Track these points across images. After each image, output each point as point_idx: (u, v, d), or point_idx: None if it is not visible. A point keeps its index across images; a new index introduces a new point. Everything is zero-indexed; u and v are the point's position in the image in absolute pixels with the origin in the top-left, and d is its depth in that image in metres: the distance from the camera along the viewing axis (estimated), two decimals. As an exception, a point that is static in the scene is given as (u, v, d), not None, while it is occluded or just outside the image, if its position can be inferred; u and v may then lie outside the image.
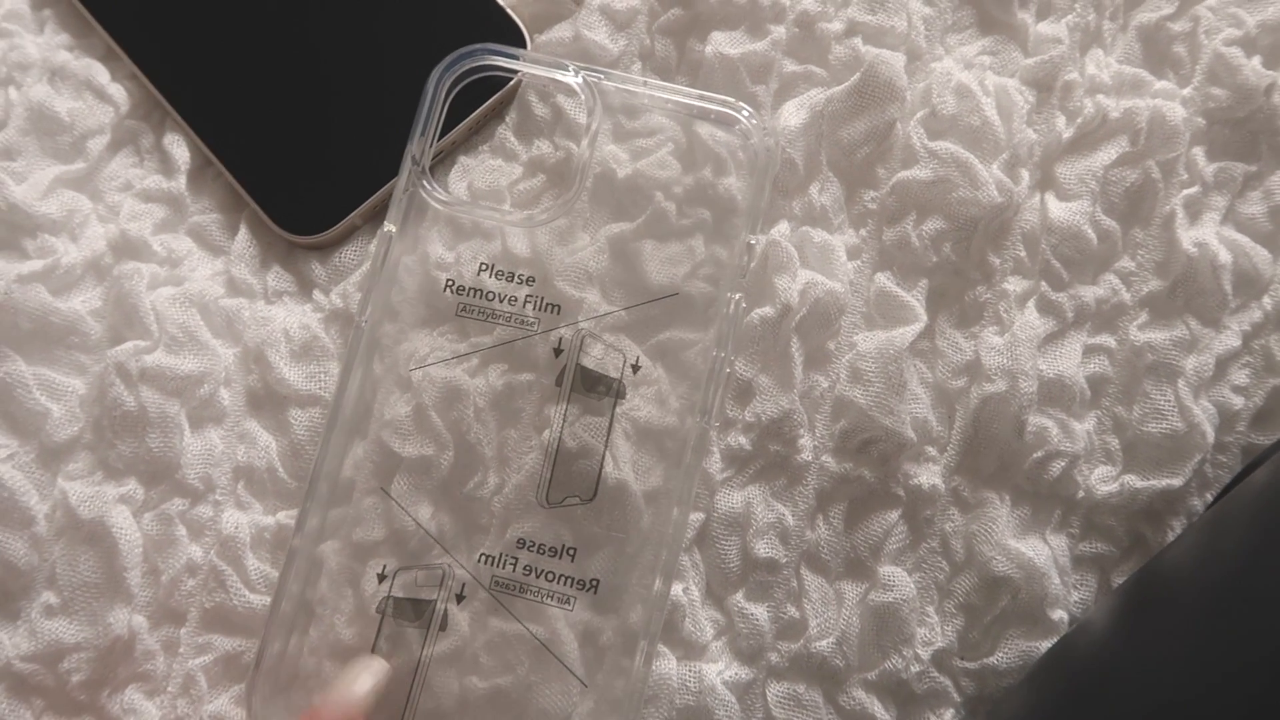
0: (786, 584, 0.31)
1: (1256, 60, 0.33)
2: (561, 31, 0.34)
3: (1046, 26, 0.34)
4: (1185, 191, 0.33)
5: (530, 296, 0.31)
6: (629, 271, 0.32)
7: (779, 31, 0.33)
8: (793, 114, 0.33)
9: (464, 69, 0.32)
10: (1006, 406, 0.31)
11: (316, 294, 0.33)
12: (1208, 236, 0.32)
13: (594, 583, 0.30)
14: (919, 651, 0.31)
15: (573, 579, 0.30)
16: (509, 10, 0.34)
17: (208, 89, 0.34)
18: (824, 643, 0.31)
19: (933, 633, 0.31)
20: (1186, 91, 0.34)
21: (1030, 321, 0.32)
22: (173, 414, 0.31)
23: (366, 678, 0.29)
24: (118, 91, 0.34)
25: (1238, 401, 0.32)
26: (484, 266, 0.32)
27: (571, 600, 0.30)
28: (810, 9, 0.33)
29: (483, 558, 0.30)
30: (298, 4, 0.34)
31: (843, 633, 0.31)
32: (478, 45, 0.32)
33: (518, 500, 0.30)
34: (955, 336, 0.32)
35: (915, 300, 0.32)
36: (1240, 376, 0.33)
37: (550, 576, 0.30)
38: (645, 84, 0.32)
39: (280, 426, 0.32)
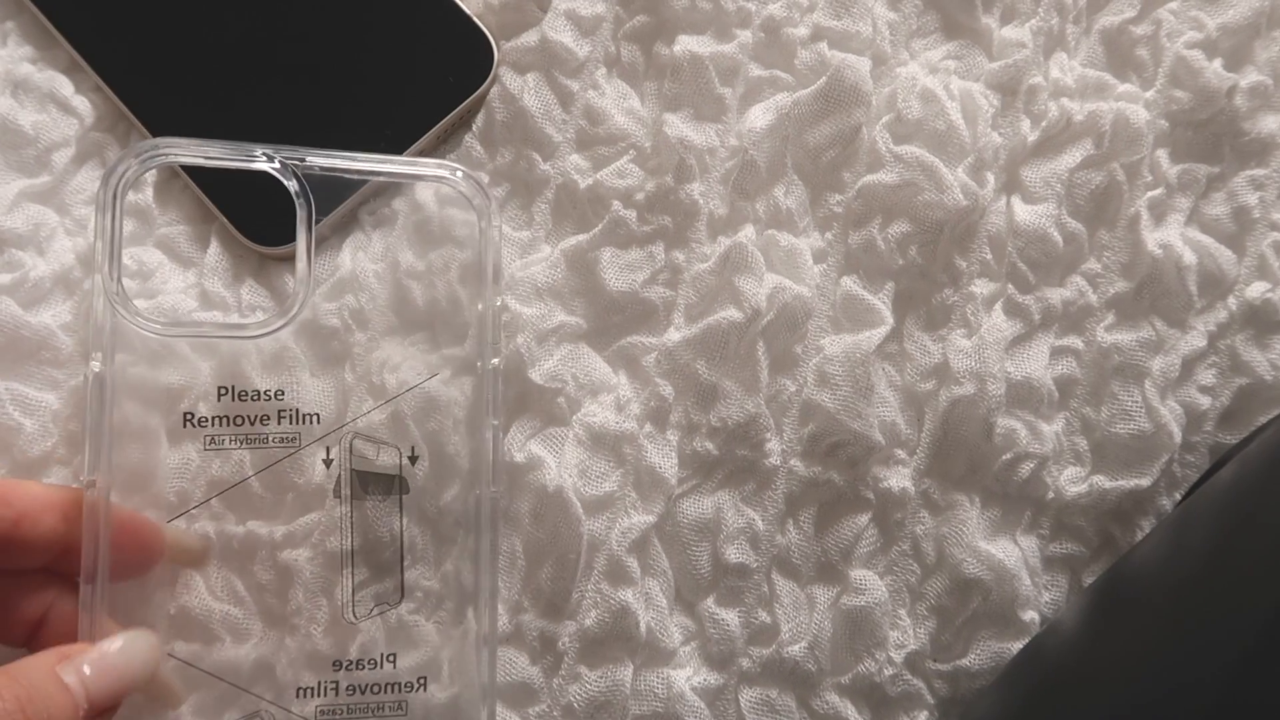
0: (758, 589, 0.31)
1: (1218, 63, 0.34)
2: (528, 38, 0.34)
3: (1010, 31, 0.34)
4: (1149, 193, 0.33)
5: (284, 411, 0.29)
6: (383, 363, 0.30)
7: (745, 36, 0.34)
8: (759, 117, 0.33)
9: (129, 174, 0.28)
10: (975, 409, 0.32)
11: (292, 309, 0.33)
12: (1172, 238, 0.33)
13: (421, 681, 0.29)
14: (892, 654, 0.31)
15: (399, 684, 0.29)
16: (476, 19, 0.34)
17: (172, 101, 0.34)
18: (796, 647, 0.31)
19: (905, 635, 0.31)
20: (1149, 94, 0.34)
21: (997, 324, 0.32)
22: (153, 427, 0.31)
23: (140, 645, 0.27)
24: (82, 104, 0.34)
25: (1204, 401, 0.33)
26: (223, 390, 0.29)
27: (404, 705, 0.29)
28: (776, 14, 0.34)
29: (300, 691, 0.29)
30: (266, 17, 0.34)
31: (815, 637, 0.31)
32: (148, 145, 0.28)
33: (327, 624, 0.29)
34: (923, 339, 0.33)
35: (882, 303, 0.32)
36: (1207, 377, 0.33)
37: (375, 689, 0.29)
38: (351, 158, 0.30)
39: (252, 440, 0.32)
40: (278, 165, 0.29)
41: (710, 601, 0.31)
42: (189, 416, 0.29)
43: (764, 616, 0.31)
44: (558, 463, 0.31)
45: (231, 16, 0.34)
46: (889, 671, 0.31)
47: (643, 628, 0.30)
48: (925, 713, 0.32)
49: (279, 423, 0.29)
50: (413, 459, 0.30)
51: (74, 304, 0.32)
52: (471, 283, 0.31)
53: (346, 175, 0.30)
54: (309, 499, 0.30)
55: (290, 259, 0.33)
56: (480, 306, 0.30)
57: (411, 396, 0.30)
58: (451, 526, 0.30)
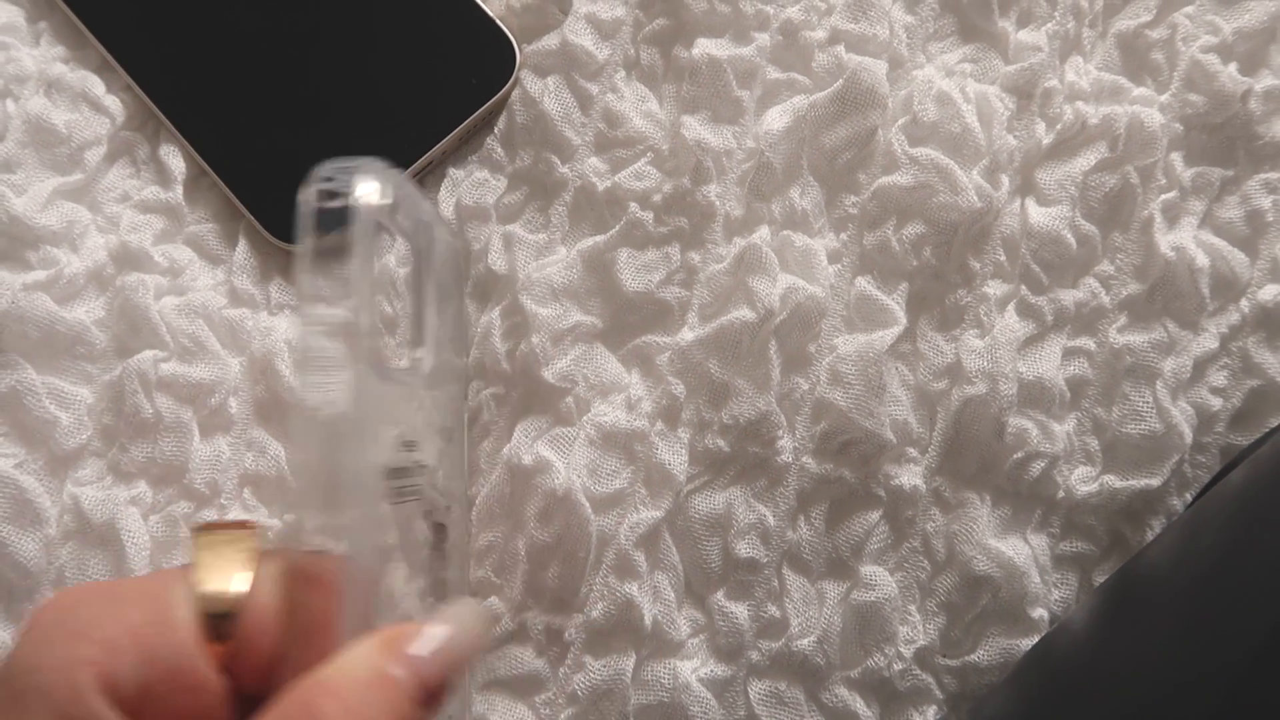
0: (768, 583, 0.32)
1: (1233, 67, 0.34)
2: (549, 41, 0.35)
3: (1027, 34, 0.34)
4: (1163, 196, 0.33)
5: (413, 463, 0.27)
6: (445, 418, 0.30)
7: (763, 39, 0.34)
8: (775, 119, 0.33)
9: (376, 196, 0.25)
10: (987, 408, 0.32)
11: (321, 307, 0.33)
12: (1185, 240, 0.33)
13: None
14: (901, 649, 0.32)
15: None
16: (499, 22, 0.35)
17: (201, 100, 0.35)
18: (805, 641, 0.31)
19: (915, 631, 0.32)
20: (1164, 98, 0.34)
21: (1010, 325, 0.32)
22: (185, 420, 0.32)
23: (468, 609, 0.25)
24: (113, 103, 0.34)
25: (1216, 403, 0.33)
26: (404, 443, 0.26)
27: None
28: (794, 17, 0.34)
29: None
30: (292, 16, 0.35)
31: (824, 631, 0.32)
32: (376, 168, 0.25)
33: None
34: (936, 339, 0.33)
35: (895, 303, 0.33)
36: (1218, 378, 0.33)
37: None
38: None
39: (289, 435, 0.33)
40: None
41: (720, 595, 0.32)
42: (390, 470, 0.25)
43: (773, 610, 0.32)
44: (566, 464, 0.31)
45: (258, 18, 0.35)
46: (898, 666, 0.32)
47: (648, 620, 0.31)
48: (934, 708, 0.32)
49: (411, 475, 0.27)
50: (448, 508, 0.29)
51: (107, 299, 0.33)
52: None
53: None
54: (420, 548, 0.28)
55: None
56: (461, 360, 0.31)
57: (452, 451, 0.30)
58: (459, 570, 0.31)
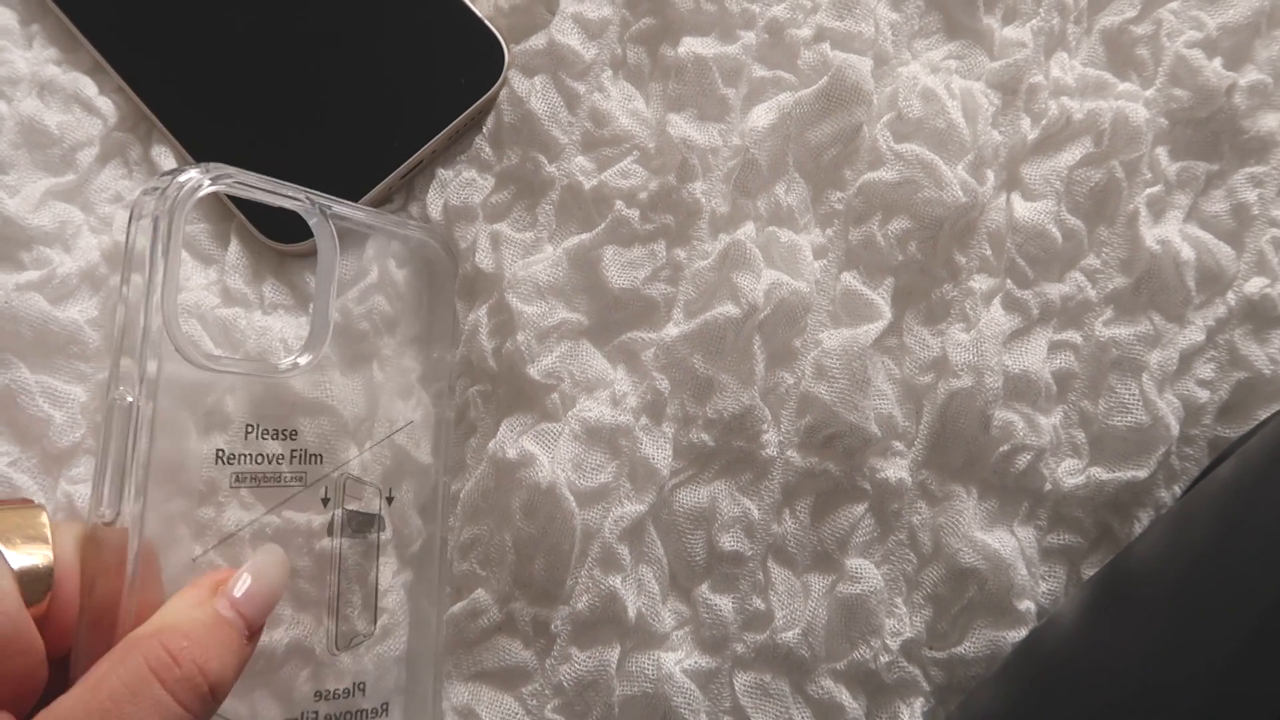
0: (752, 576, 0.32)
1: (1218, 62, 0.34)
2: (537, 40, 0.35)
3: (1011, 31, 0.34)
4: (1149, 190, 0.33)
5: (295, 451, 0.30)
6: (373, 405, 0.32)
7: (749, 37, 0.34)
8: (761, 116, 0.33)
9: (175, 203, 0.26)
10: (972, 401, 0.32)
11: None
12: (1170, 234, 0.33)
13: (384, 707, 0.32)
14: (887, 642, 0.32)
15: (366, 711, 0.31)
16: (488, 22, 0.35)
17: (193, 101, 0.35)
18: (790, 633, 0.32)
19: (901, 623, 0.32)
20: (1149, 93, 0.34)
21: (995, 318, 0.33)
22: (180, 420, 0.32)
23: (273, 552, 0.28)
24: (105, 105, 0.35)
25: (1203, 395, 0.33)
26: (249, 428, 0.30)
27: None
28: (780, 15, 0.34)
29: None
30: (283, 17, 0.35)
31: (809, 624, 0.32)
32: (191, 178, 0.27)
33: (314, 654, 0.31)
34: (922, 333, 0.33)
35: (880, 298, 0.33)
36: (1205, 370, 0.33)
37: (349, 717, 0.31)
38: (368, 213, 0.32)
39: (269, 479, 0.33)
40: (308, 206, 0.30)
41: (705, 588, 0.32)
42: (220, 454, 0.29)
43: (758, 603, 0.32)
44: (550, 459, 0.32)
45: (249, 19, 0.35)
46: (885, 658, 0.32)
47: (631, 613, 0.31)
48: (921, 699, 0.32)
49: (290, 462, 0.30)
50: (389, 499, 0.32)
51: (100, 299, 0.33)
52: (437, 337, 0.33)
53: (360, 228, 0.32)
54: (310, 536, 0.31)
55: (306, 255, 0.34)
56: (448, 356, 0.32)
57: (393, 440, 0.32)
58: (414, 564, 0.32)
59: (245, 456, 0.29)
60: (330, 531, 0.31)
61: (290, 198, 0.29)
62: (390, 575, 0.32)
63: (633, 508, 0.31)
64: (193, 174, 0.27)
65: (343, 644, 0.31)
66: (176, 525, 0.28)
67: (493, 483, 0.32)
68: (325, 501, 0.31)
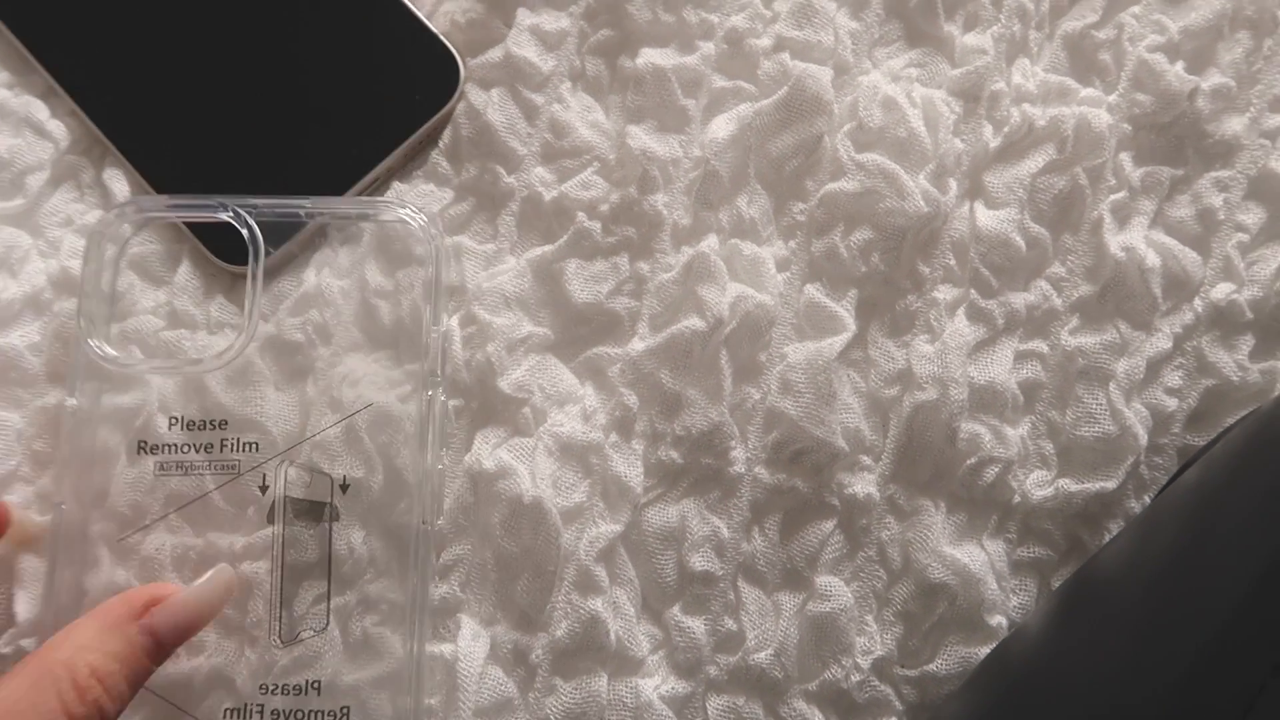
0: (724, 596, 0.31)
1: (1180, 66, 0.34)
2: (493, 54, 0.34)
3: (972, 38, 0.34)
4: (1113, 197, 0.33)
5: (226, 440, 0.31)
6: (319, 393, 0.32)
7: (708, 47, 0.34)
8: (721, 128, 0.33)
9: (124, 232, 0.32)
10: (938, 414, 0.32)
11: (261, 325, 0.33)
12: (1135, 241, 0.33)
13: (345, 710, 0.30)
14: (859, 660, 0.31)
15: (323, 713, 0.30)
16: (442, 38, 0.35)
17: (146, 124, 0.34)
18: (762, 654, 0.31)
19: (872, 641, 0.31)
20: (1112, 98, 0.34)
21: (960, 329, 0.32)
22: (114, 445, 0.31)
23: (216, 579, 0.30)
24: (57, 128, 0.34)
25: (1171, 403, 0.33)
26: (174, 420, 0.31)
27: None
28: (739, 25, 0.34)
29: (229, 713, 0.30)
30: (235, 39, 0.35)
31: (781, 644, 0.31)
32: (126, 204, 0.32)
33: (255, 644, 0.31)
34: (887, 345, 0.33)
35: (845, 310, 0.32)
36: (1173, 378, 0.33)
37: (300, 716, 0.30)
38: (303, 203, 0.32)
39: (197, 467, 0.32)
40: (231, 215, 0.31)
41: (676, 610, 0.31)
42: (142, 445, 0.31)
43: (730, 624, 0.31)
44: (531, 472, 0.31)
45: (203, 41, 0.35)
46: (856, 678, 0.31)
47: (613, 637, 0.31)
48: (893, 719, 0.32)
49: (221, 450, 0.31)
50: (344, 487, 0.31)
51: (43, 324, 0.33)
52: (413, 323, 0.32)
53: (299, 219, 0.32)
54: (248, 525, 0.31)
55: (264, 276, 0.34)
56: (432, 333, 0.31)
57: (347, 426, 0.31)
58: (379, 561, 0.31)
59: (169, 447, 0.31)
60: (270, 519, 0.31)
61: (211, 205, 0.31)
62: (352, 570, 0.31)
63: (608, 527, 0.31)
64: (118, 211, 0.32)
65: (287, 635, 0.31)
66: (98, 514, 0.31)
67: (471, 498, 0.32)
68: (264, 490, 0.31)
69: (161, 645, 0.28)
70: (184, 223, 0.34)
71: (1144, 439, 0.32)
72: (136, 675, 0.27)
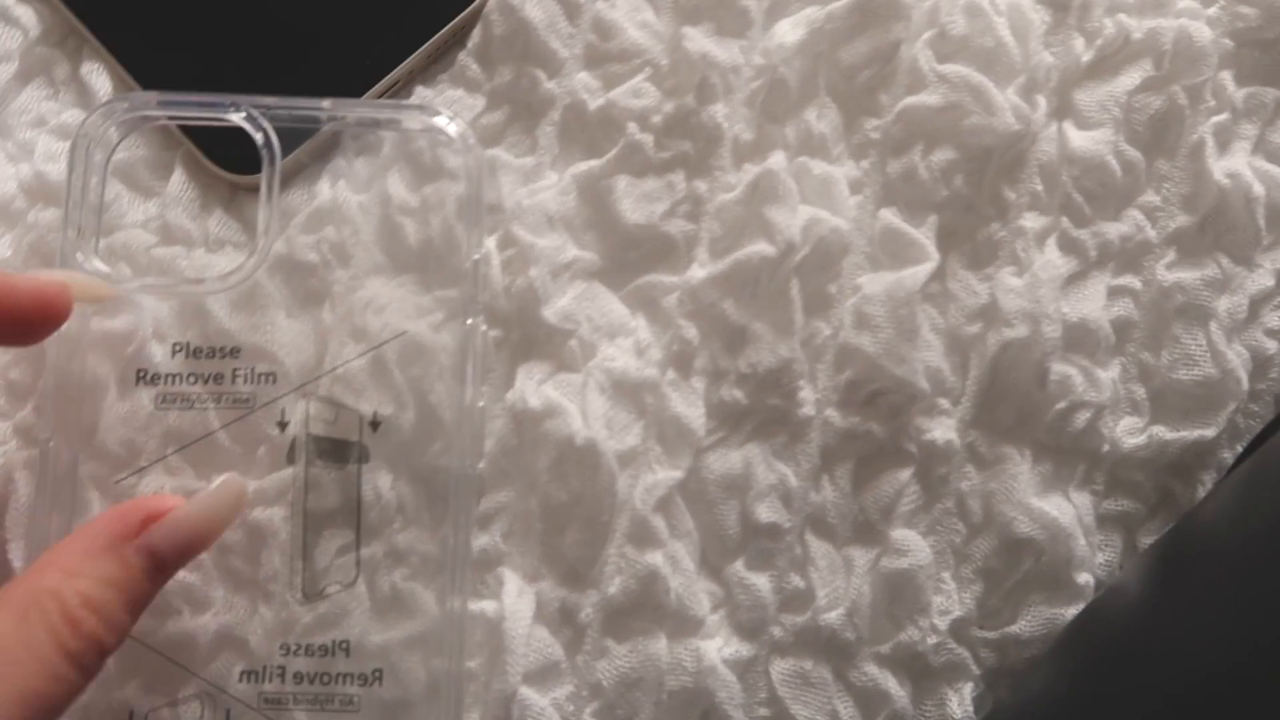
0: (790, 551, 0.29)
1: (1289, -25, 0.31)
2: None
3: (1061, -63, 0.31)
4: (1214, 119, 0.31)
5: (238, 370, 0.28)
6: (338, 321, 0.28)
7: (772, -59, 0.30)
8: (787, 32, 0.30)
9: (112, 135, 0.28)
10: (1028, 354, 0.29)
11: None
12: (1240, 167, 0.30)
13: (377, 674, 0.27)
14: (935, 621, 0.29)
15: (352, 676, 0.27)
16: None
17: (131, 11, 0.31)
18: (833, 614, 0.28)
19: (950, 600, 0.29)
20: (1213, 11, 0.31)
21: (1052, 260, 0.30)
22: (104, 375, 0.28)
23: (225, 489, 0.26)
24: (25, 14, 0.31)
25: (1272, 346, 0.31)
26: (178, 347, 0.28)
27: (356, 700, 0.27)
28: (807, -82, 0.30)
29: (244, 675, 0.27)
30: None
31: (853, 603, 0.29)
32: (117, 100, 0.28)
33: (270, 600, 0.27)
34: (968, 278, 0.30)
35: (925, 238, 0.29)
36: (1274, 319, 0.31)
37: (326, 679, 0.27)
38: (327, 103, 0.28)
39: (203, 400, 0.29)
40: (245, 116, 0.28)
41: (739, 565, 0.29)
42: (141, 374, 0.28)
43: (797, 581, 0.29)
44: (582, 411, 0.28)
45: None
46: (932, 640, 0.29)
47: (673, 595, 0.28)
48: (970, 684, 0.29)
49: (233, 382, 0.28)
50: (374, 424, 0.28)
51: (15, 236, 0.29)
52: (450, 242, 0.28)
53: (317, 123, 0.29)
54: (262, 466, 0.28)
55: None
56: (474, 256, 0.28)
57: (378, 355, 0.28)
58: (413, 507, 0.28)
59: (173, 377, 0.28)
60: (291, 459, 0.27)
61: (219, 105, 0.28)
62: (383, 518, 0.28)
63: (666, 474, 0.28)
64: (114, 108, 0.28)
65: (310, 591, 0.27)
66: (87, 453, 0.27)
67: (515, 440, 0.28)
68: (282, 427, 0.28)
69: (163, 566, 0.24)
70: (178, 125, 0.30)
71: (1246, 384, 0.30)
72: (136, 601, 0.24)
